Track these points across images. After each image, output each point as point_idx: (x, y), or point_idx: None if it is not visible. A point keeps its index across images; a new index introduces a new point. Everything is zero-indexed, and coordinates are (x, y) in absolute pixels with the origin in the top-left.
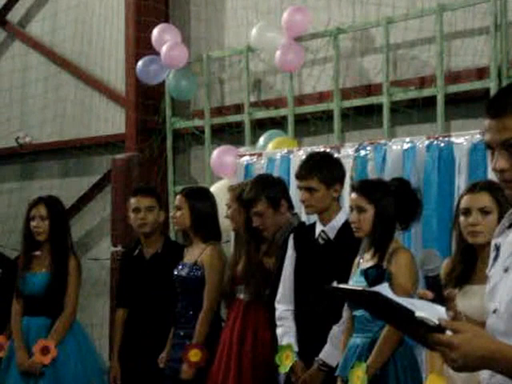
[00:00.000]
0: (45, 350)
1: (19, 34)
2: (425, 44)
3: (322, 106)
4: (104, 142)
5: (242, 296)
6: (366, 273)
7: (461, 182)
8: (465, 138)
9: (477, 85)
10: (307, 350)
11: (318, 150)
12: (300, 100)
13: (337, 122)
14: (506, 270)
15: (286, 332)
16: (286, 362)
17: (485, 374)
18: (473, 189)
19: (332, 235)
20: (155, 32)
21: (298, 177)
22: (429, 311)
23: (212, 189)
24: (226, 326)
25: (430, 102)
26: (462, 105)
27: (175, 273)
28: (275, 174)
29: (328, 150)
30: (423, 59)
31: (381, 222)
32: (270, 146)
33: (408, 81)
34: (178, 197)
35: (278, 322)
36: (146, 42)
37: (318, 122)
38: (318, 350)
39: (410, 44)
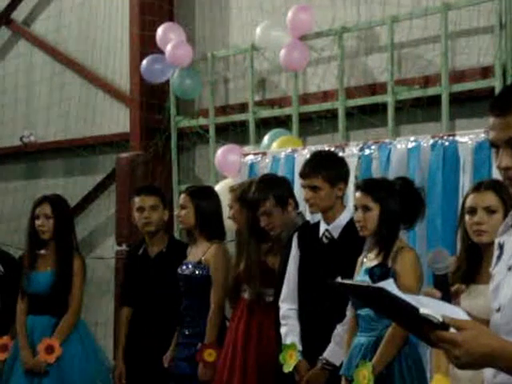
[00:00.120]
0: (49, 349)
1: (24, 33)
2: (429, 43)
3: (326, 105)
4: (108, 140)
5: (246, 295)
6: (370, 272)
7: (465, 180)
8: (469, 136)
9: (481, 84)
10: (311, 349)
11: (322, 149)
12: (304, 99)
13: (341, 121)
14: (509, 269)
15: (289, 331)
16: (290, 361)
17: (488, 372)
18: (478, 188)
19: (336, 234)
20: (160, 31)
21: (302, 175)
22: (434, 308)
23: (216, 188)
24: (231, 325)
25: (435, 100)
26: (466, 104)
27: (179, 272)
28: (280, 173)
29: (332, 149)
30: (428, 58)
31: (386, 221)
32: (275, 144)
33: (413, 80)
34: (183, 196)
35: (281, 321)
36: (151, 40)
37: (322, 121)
38: (321, 349)
39: (414, 43)
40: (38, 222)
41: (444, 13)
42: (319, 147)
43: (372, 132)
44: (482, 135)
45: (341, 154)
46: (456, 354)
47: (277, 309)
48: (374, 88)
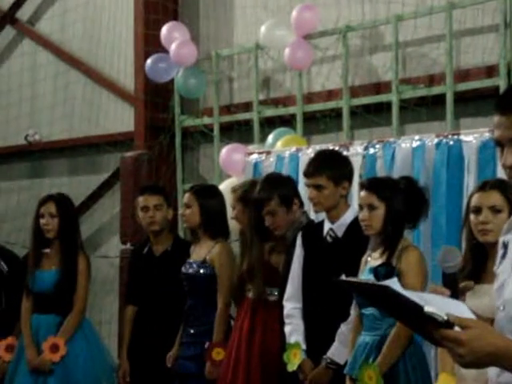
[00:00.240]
0: (54, 348)
1: (28, 32)
2: (434, 42)
3: (330, 104)
4: (113, 139)
5: (250, 295)
6: (375, 271)
7: (470, 180)
8: (474, 136)
9: (486, 83)
10: (315, 348)
11: (327, 148)
12: (309, 98)
13: (346, 120)
14: None
15: (294, 330)
16: (294, 360)
17: (492, 371)
18: (483, 187)
19: (340, 233)
20: (164, 30)
21: (307, 174)
22: (439, 305)
23: (221, 187)
24: (236, 324)
25: (439, 99)
26: (471, 103)
27: (183, 271)
28: (284, 172)
29: (337, 148)
30: (432, 57)
31: (392, 220)
32: (279, 144)
33: (417, 79)
34: (187, 195)
35: (285, 320)
36: (155, 39)
37: (326, 120)
38: (325, 348)
39: (419, 42)
40: (42, 221)
41: (449, 12)
42: (324, 146)
43: (376, 131)
44: (487, 134)
45: (345, 153)
46: (460, 352)
47: (281, 308)
48: (379, 87)
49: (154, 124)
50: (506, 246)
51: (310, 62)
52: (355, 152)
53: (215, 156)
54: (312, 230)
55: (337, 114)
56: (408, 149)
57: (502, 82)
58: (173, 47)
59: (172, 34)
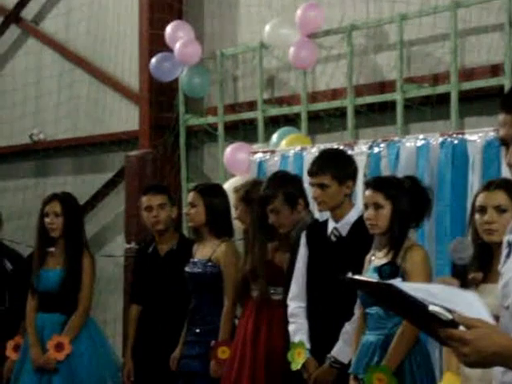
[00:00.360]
0: (59, 347)
1: (33, 31)
2: (439, 41)
3: (335, 103)
4: (118, 138)
5: (254, 294)
6: (380, 270)
7: (474, 179)
8: (478, 135)
9: (491, 82)
10: (319, 348)
11: (331, 147)
12: (313, 97)
13: (350, 119)
14: None
15: (298, 329)
16: (298, 359)
17: (497, 371)
18: (488, 187)
19: (344, 232)
20: (169, 29)
21: (311, 173)
22: (446, 296)
23: (225, 186)
24: (240, 323)
25: (444, 98)
26: (475, 102)
27: (187, 270)
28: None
29: (341, 147)
30: (437, 56)
31: (398, 219)
32: (284, 143)
33: (422, 78)
34: (192, 193)
35: (289, 319)
36: (160, 38)
37: (331, 119)
38: (329, 348)
39: (423, 41)
40: (47, 220)
41: (453, 11)
42: (328, 145)
43: (381, 130)
44: (492, 133)
45: (350, 152)
46: (465, 352)
47: (285, 307)
48: (383, 86)
49: (159, 123)
50: (510, 245)
51: (315, 61)
52: (360, 151)
53: (219, 155)
54: (316, 229)
55: (341, 113)
56: (412, 148)
57: (506, 81)
58: (177, 46)
59: (176, 33)
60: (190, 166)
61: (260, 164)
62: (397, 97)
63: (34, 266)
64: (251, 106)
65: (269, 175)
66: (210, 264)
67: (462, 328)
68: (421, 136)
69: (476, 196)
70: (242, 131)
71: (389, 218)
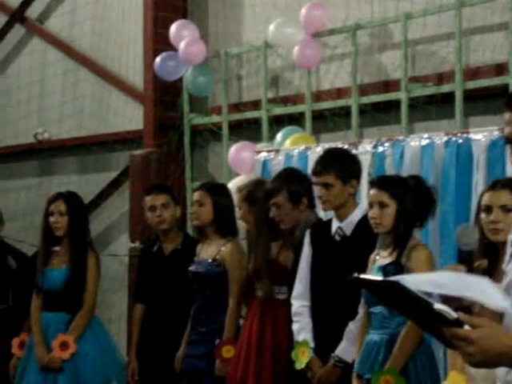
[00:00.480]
0: (64, 345)
1: (38, 30)
2: (443, 40)
3: (339, 102)
4: (122, 138)
5: (258, 293)
6: (384, 269)
7: (479, 178)
8: (483, 134)
9: (496, 81)
10: (323, 347)
11: (335, 146)
12: (318, 96)
13: (355, 118)
14: None
15: (302, 328)
16: (302, 358)
17: (501, 369)
18: (494, 186)
19: (348, 231)
20: (173, 28)
21: (315, 173)
22: (459, 286)
23: (229, 185)
24: (245, 323)
25: (449, 98)
26: (480, 101)
27: (191, 269)
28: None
29: (346, 147)
30: (442, 55)
31: (402, 218)
32: (288, 142)
33: (426, 77)
34: (200, 192)
35: (293, 318)
36: (164, 38)
37: (335, 119)
38: (333, 347)
39: (428, 40)
40: (52, 219)
41: (458, 10)
42: (332, 144)
43: (385, 129)
44: (496, 133)
45: (354, 151)
46: (470, 351)
47: (290, 306)
48: (388, 85)
49: (163, 122)
50: None
51: (319, 60)
52: (364, 150)
53: (224, 154)
54: (320, 229)
55: (346, 112)
56: (417, 147)
57: (511, 80)
58: (182, 45)
59: (181, 32)
60: (194, 165)
61: (264, 163)
62: (401, 96)
63: (39, 264)
64: (255, 105)
65: (274, 174)
66: (215, 263)
67: (467, 327)
68: (425, 135)
69: (481, 195)
70: (247, 130)
71: (393, 217)
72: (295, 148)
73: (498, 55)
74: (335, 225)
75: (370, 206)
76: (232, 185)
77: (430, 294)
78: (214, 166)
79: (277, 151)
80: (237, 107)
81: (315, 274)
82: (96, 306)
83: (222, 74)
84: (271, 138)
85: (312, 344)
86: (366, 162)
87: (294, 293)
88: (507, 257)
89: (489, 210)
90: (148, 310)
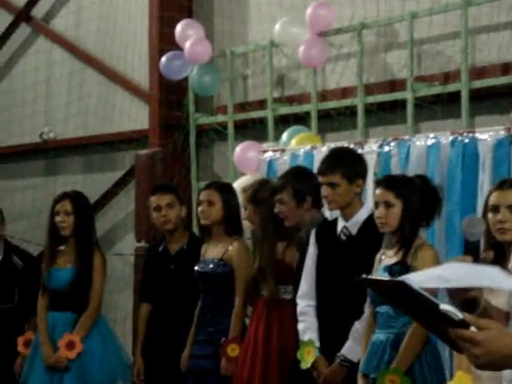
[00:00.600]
0: (70, 345)
1: (43, 29)
2: (449, 39)
3: (345, 102)
4: (127, 137)
5: (264, 293)
6: (390, 269)
7: (485, 178)
8: (489, 134)
9: (502, 80)
10: (329, 346)
11: (341, 145)
12: (323, 96)
13: (360, 118)
14: None
15: (307, 328)
16: (308, 358)
17: (507, 371)
18: (502, 186)
19: (354, 231)
20: (179, 27)
21: (321, 172)
22: (469, 276)
23: (234, 185)
24: (251, 323)
25: (455, 97)
26: (486, 100)
27: (197, 269)
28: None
29: (351, 146)
30: (448, 54)
31: (408, 218)
32: (294, 141)
33: (432, 76)
34: (209, 191)
35: (299, 318)
36: (170, 37)
37: (341, 118)
38: (339, 346)
39: (434, 39)
40: (58, 219)
41: (464, 9)
42: (338, 144)
43: (391, 129)
44: (502, 132)
45: (360, 150)
46: (475, 353)
47: (295, 305)
48: (394, 85)
49: (169, 122)
50: None
51: (325, 60)
52: (370, 150)
53: (229, 154)
54: (325, 228)
55: (351, 111)
56: (423, 147)
57: None
58: (187, 45)
59: (186, 31)
60: (199, 165)
61: (270, 163)
62: (407, 95)
63: (45, 264)
64: (261, 104)
65: (279, 174)
66: (222, 263)
67: (473, 329)
68: (431, 135)
69: (489, 195)
70: (252, 130)
71: (399, 217)
72: (301, 147)
73: (505, 54)
74: (341, 224)
75: (376, 205)
76: (237, 185)
77: (435, 295)
78: (220, 166)
79: (282, 151)
80: (242, 107)
81: (321, 274)
82: (102, 305)
83: (227, 73)
84: (277, 137)
85: (318, 344)
86: (371, 161)
87: (300, 292)
88: None
89: (496, 209)
90: (154, 309)
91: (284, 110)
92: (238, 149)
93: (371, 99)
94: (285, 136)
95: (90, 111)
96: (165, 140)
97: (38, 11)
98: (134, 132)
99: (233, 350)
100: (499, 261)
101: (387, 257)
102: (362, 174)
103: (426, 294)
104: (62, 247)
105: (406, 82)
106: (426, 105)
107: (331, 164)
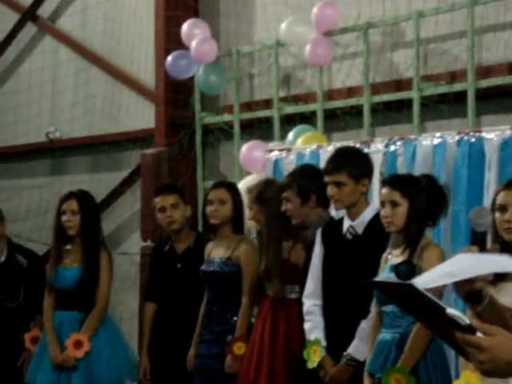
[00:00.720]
0: (78, 344)
1: (49, 29)
2: (456, 38)
3: (351, 101)
4: (133, 137)
5: (270, 292)
6: (396, 268)
7: (491, 177)
8: (495, 133)
9: (508, 79)
10: (335, 345)
11: (347, 145)
12: (329, 95)
13: (366, 117)
14: None
15: (313, 327)
16: (314, 357)
17: None
18: (509, 185)
19: (360, 230)
20: (185, 27)
21: (327, 172)
22: (479, 264)
23: (240, 185)
24: (257, 322)
25: (461, 96)
26: (492, 100)
27: (204, 269)
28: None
29: (357, 146)
30: (454, 53)
31: (415, 217)
32: (300, 141)
33: (438, 75)
34: (221, 190)
35: (305, 317)
36: (176, 36)
37: (347, 117)
38: (345, 346)
39: (440, 38)
40: (64, 218)
41: (470, 8)
42: (344, 143)
43: (397, 128)
44: (508, 132)
45: (366, 150)
46: (481, 359)
47: (301, 305)
48: (400, 84)
49: (175, 121)
50: None
51: (331, 59)
52: (376, 149)
53: (235, 153)
54: (332, 227)
55: (357, 111)
56: (429, 146)
57: None
58: (193, 44)
59: (192, 30)
60: (205, 164)
61: (276, 162)
62: (413, 95)
63: (51, 263)
64: (267, 104)
65: (285, 173)
66: (229, 262)
67: (479, 334)
68: (437, 134)
69: (496, 194)
70: (258, 129)
71: (405, 216)
72: (307, 147)
73: (511, 53)
74: (347, 224)
75: (382, 204)
76: (242, 185)
77: (441, 294)
78: (226, 165)
79: (288, 150)
80: (248, 106)
81: (327, 273)
82: (109, 304)
83: (233, 72)
84: (283, 136)
85: (324, 343)
86: (377, 160)
87: (306, 292)
88: None
89: (504, 209)
90: (159, 308)
91: (290, 109)
92: (244, 148)
93: (377, 98)
94: (291, 135)
95: (96, 111)
96: (171, 139)
97: (44, 11)
98: (139, 131)
99: (239, 348)
100: None
101: (393, 256)
102: (368, 174)
103: (433, 297)
104: (68, 246)
105: (412, 81)
106: (432, 104)
107: (337, 163)
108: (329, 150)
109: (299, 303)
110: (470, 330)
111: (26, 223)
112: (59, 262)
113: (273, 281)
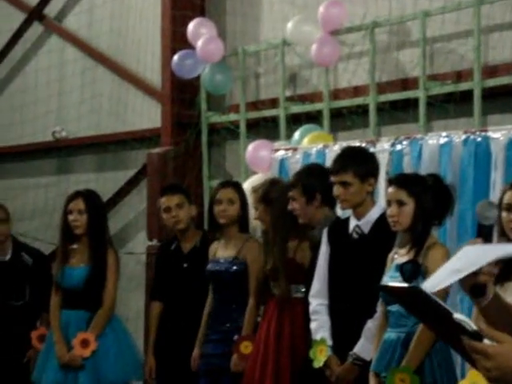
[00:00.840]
0: (84, 343)
1: (56, 28)
2: (462, 37)
3: (357, 101)
4: (140, 136)
5: (276, 292)
6: (401, 268)
7: (497, 177)
8: (502, 132)
9: None
10: (341, 345)
11: (353, 144)
12: (336, 94)
13: (372, 117)
14: None
15: (320, 326)
16: (320, 357)
17: None
18: None
19: (366, 230)
20: (191, 26)
21: (333, 171)
22: (490, 251)
23: (245, 185)
24: (263, 322)
25: (467, 96)
26: (499, 99)
27: (209, 268)
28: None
29: (364, 145)
30: (460, 53)
31: (421, 216)
32: (306, 140)
33: (445, 75)
34: (230, 190)
35: (311, 317)
36: (182, 36)
37: (353, 117)
38: (352, 345)
39: (446, 37)
40: (71, 217)
41: (477, 7)
42: (350, 143)
43: (403, 127)
44: None
45: (372, 149)
46: (487, 366)
47: (307, 304)
48: (406, 83)
49: (181, 120)
50: None
51: (337, 58)
52: (382, 148)
53: (241, 152)
54: (338, 227)
55: (363, 110)
56: (435, 145)
57: None
58: (199, 43)
59: (199, 30)
60: (211, 164)
61: (282, 161)
62: (419, 94)
63: (58, 263)
64: (273, 103)
65: (291, 172)
66: (236, 261)
67: (486, 341)
68: (444, 133)
69: (503, 194)
70: (264, 129)
71: (411, 216)
72: (313, 146)
73: None
74: (353, 223)
75: (388, 204)
76: (248, 184)
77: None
78: (232, 165)
79: (294, 149)
80: (254, 105)
81: (333, 273)
82: (115, 303)
83: (239, 72)
84: (289, 136)
85: (330, 342)
86: (383, 160)
87: (312, 291)
88: None
89: (510, 208)
90: (165, 308)
91: (296, 108)
92: (250, 147)
93: (383, 98)
94: (297, 135)
95: (103, 110)
96: (177, 138)
97: (51, 10)
98: (146, 131)
99: (246, 347)
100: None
101: (399, 255)
102: (374, 173)
103: (441, 302)
104: (74, 246)
105: (419, 80)
106: (439, 103)
107: (343, 163)
108: (335, 149)
109: (305, 303)
110: (477, 336)
111: (33, 222)
112: (66, 261)
113: (279, 280)
